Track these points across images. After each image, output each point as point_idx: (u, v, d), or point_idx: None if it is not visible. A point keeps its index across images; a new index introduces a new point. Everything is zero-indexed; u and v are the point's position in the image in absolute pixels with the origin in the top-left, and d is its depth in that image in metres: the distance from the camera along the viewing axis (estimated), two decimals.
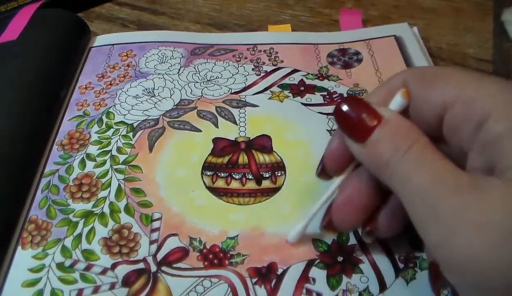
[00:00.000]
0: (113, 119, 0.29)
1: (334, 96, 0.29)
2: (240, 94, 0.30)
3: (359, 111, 0.17)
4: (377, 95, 0.19)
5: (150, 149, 0.27)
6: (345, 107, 0.18)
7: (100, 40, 0.35)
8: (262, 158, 0.26)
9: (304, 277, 0.21)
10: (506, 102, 0.16)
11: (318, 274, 0.21)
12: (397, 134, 0.17)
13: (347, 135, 0.18)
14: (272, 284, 0.21)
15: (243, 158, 0.26)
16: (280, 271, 0.21)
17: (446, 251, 0.15)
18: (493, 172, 0.16)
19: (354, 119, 0.17)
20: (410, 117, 0.18)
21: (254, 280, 0.21)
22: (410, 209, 0.16)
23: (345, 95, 0.29)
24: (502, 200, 0.14)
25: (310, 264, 0.21)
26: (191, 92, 0.30)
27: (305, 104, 0.29)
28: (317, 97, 0.29)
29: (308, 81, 0.30)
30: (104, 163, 0.26)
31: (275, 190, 0.25)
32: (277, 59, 0.32)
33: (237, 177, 0.25)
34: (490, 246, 0.14)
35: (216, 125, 0.28)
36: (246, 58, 0.32)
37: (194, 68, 0.32)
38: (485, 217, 0.14)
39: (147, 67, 0.32)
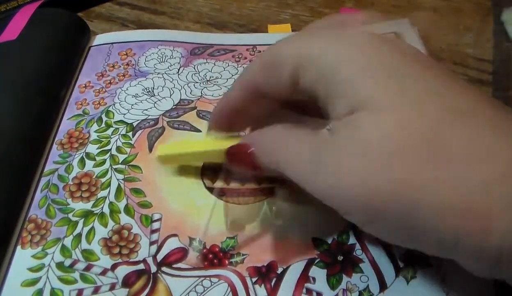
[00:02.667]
0: (113, 118, 0.29)
1: None
2: None
3: (240, 162, 0.21)
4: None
5: (150, 149, 0.27)
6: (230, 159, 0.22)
7: (99, 39, 0.35)
8: None
9: (304, 276, 0.21)
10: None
11: (318, 273, 0.21)
12: (264, 151, 0.20)
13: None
14: (272, 283, 0.21)
15: None
16: (280, 270, 0.21)
17: (336, 196, 0.17)
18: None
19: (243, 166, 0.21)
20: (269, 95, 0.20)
21: (254, 279, 0.21)
22: (294, 179, 0.19)
23: None
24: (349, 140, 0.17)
25: (310, 263, 0.21)
26: (190, 92, 0.30)
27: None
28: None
29: None
30: (103, 162, 0.26)
31: (275, 189, 0.24)
32: None
33: (236, 176, 0.25)
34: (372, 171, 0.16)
35: None
36: (245, 58, 0.32)
37: (194, 68, 0.32)
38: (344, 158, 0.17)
39: (146, 66, 0.32)
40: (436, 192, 0.15)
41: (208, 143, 0.23)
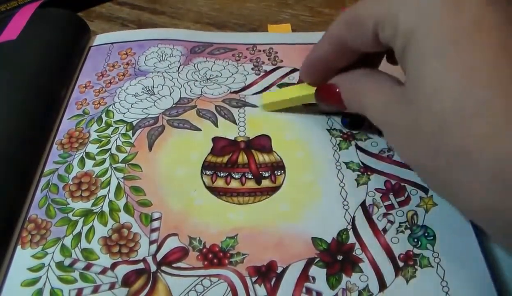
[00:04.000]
0: (113, 117, 0.29)
1: None
2: (239, 93, 0.30)
3: (327, 99, 0.25)
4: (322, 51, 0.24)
5: (150, 148, 0.27)
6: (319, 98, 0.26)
7: (99, 39, 0.35)
8: (261, 157, 0.26)
9: (304, 276, 0.21)
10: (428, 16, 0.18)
11: (318, 273, 0.21)
12: (350, 93, 0.23)
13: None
14: (272, 283, 0.21)
15: (242, 158, 0.26)
16: (279, 269, 0.21)
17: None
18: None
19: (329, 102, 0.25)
20: (353, 48, 0.22)
21: (254, 279, 0.21)
22: (373, 122, 0.22)
23: None
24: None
25: (309, 262, 0.21)
26: (190, 91, 0.30)
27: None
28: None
29: None
30: (103, 161, 0.26)
31: (275, 189, 0.25)
32: (276, 59, 0.32)
33: (236, 176, 0.25)
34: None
35: (216, 125, 0.28)
36: (245, 57, 0.32)
37: (194, 66, 0.32)
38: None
39: (146, 65, 0.32)
40: None
41: (301, 88, 0.27)
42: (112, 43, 0.34)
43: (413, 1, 0.18)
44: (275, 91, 0.29)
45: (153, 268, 0.22)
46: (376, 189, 0.24)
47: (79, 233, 0.23)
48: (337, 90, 0.24)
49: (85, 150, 0.27)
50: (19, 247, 0.23)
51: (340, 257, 0.22)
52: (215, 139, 0.27)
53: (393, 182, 0.24)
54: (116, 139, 0.27)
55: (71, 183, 0.25)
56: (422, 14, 0.18)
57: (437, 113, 0.17)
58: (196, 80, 0.31)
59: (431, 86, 0.17)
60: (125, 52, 0.33)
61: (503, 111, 0.15)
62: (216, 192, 0.25)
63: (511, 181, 0.15)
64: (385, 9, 0.19)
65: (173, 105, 0.29)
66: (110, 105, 0.29)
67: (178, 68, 0.32)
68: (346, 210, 0.23)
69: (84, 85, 0.31)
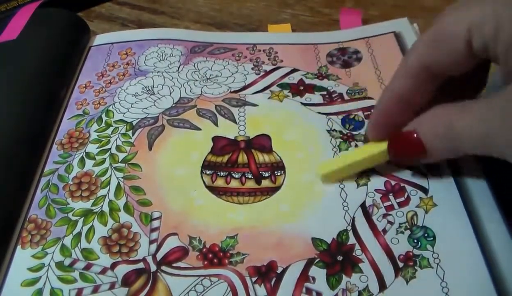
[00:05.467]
0: (113, 117, 0.29)
1: (333, 95, 0.29)
2: (239, 93, 0.30)
3: (405, 150, 0.22)
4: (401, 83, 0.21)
5: (150, 147, 0.27)
6: (394, 152, 0.22)
7: (99, 39, 0.35)
8: (261, 157, 0.26)
9: (304, 276, 0.21)
10: None
11: (318, 273, 0.21)
12: (432, 130, 0.20)
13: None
14: (272, 283, 0.21)
15: (242, 157, 0.26)
16: (279, 270, 0.21)
17: None
18: None
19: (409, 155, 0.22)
20: (441, 59, 0.20)
21: (254, 279, 0.21)
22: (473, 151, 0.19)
23: (344, 94, 0.29)
24: None
25: (309, 263, 0.21)
26: (190, 90, 0.30)
27: (304, 104, 0.29)
28: (316, 97, 0.29)
29: (307, 81, 0.30)
30: (103, 161, 0.26)
31: (275, 189, 0.25)
32: (276, 58, 0.32)
33: (236, 176, 0.25)
34: None
35: (216, 124, 0.28)
36: (245, 57, 0.32)
37: (194, 66, 0.32)
38: None
39: (146, 65, 0.32)
40: None
41: (367, 148, 0.23)
42: (112, 43, 0.34)
43: None
44: (334, 159, 0.26)
45: (153, 267, 0.22)
46: (376, 190, 0.24)
47: (79, 233, 0.23)
48: (416, 135, 0.21)
49: (85, 150, 0.27)
50: (19, 247, 0.23)
51: (340, 258, 0.22)
52: (215, 139, 0.27)
53: (393, 183, 0.24)
54: (116, 139, 0.27)
55: (71, 183, 0.25)
56: None
57: None
58: (196, 80, 0.31)
59: None
60: (125, 52, 0.33)
61: None
62: (216, 191, 0.25)
63: None
64: (478, 11, 0.18)
65: (173, 105, 0.29)
66: (110, 105, 0.29)
67: (178, 68, 0.32)
68: (346, 210, 0.23)
69: (84, 85, 0.31)
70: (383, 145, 0.22)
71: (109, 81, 0.31)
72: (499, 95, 0.18)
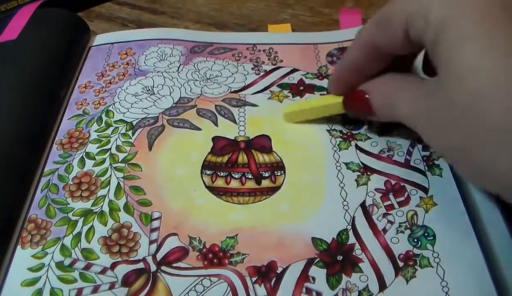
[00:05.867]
0: (113, 117, 0.29)
1: None
2: (239, 93, 0.30)
3: (356, 106, 0.25)
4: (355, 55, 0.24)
5: (150, 147, 0.27)
6: (348, 106, 0.25)
7: (99, 39, 0.35)
8: (261, 157, 0.26)
9: (304, 276, 0.21)
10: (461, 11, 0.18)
11: (318, 273, 0.21)
12: (379, 97, 0.23)
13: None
14: (272, 283, 0.21)
15: (242, 157, 0.26)
16: (279, 269, 0.21)
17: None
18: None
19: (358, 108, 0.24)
20: (382, 46, 0.22)
21: (254, 279, 0.21)
22: (404, 122, 0.22)
23: None
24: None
25: (309, 263, 0.21)
26: (190, 91, 0.30)
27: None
28: (316, 97, 0.29)
29: (307, 81, 0.30)
30: (103, 161, 0.26)
31: (275, 189, 0.25)
32: (276, 58, 0.32)
33: (236, 176, 0.25)
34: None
35: (216, 124, 0.28)
36: (245, 57, 0.32)
37: (194, 66, 0.32)
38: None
39: (146, 65, 0.32)
40: None
41: (326, 98, 0.26)
42: (112, 43, 0.34)
43: None
44: (298, 101, 0.29)
45: (153, 267, 0.22)
46: (376, 189, 0.24)
47: (79, 233, 0.23)
48: (366, 96, 0.23)
49: (85, 150, 0.27)
50: (19, 247, 0.23)
51: (340, 257, 0.22)
52: (215, 139, 0.27)
53: (393, 182, 0.24)
54: (116, 139, 0.27)
55: (71, 183, 0.25)
56: (452, 2, 0.18)
57: (474, 91, 0.17)
58: (196, 80, 0.31)
59: (467, 68, 0.17)
60: (125, 52, 0.33)
61: None
62: (216, 191, 0.25)
63: None
64: (414, 4, 0.19)
65: (173, 105, 0.29)
66: (110, 105, 0.29)
67: (178, 68, 0.32)
68: (346, 210, 0.23)
69: (84, 85, 0.31)
70: (341, 98, 0.25)
71: (109, 81, 0.31)
72: (427, 87, 0.20)
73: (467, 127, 0.18)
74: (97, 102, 0.30)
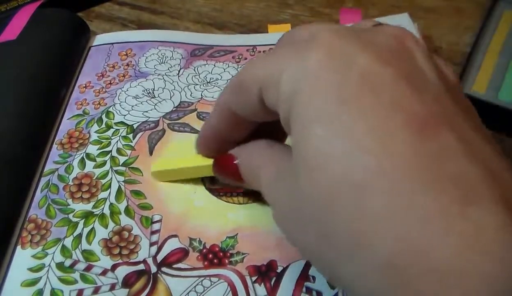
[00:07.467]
0: (113, 119, 0.29)
1: None
2: None
3: (224, 172, 0.22)
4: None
5: (150, 152, 0.27)
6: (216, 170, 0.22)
7: (99, 39, 0.35)
8: None
9: (304, 276, 0.21)
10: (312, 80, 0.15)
11: (318, 272, 0.21)
12: (247, 163, 0.20)
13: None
14: (272, 282, 0.21)
15: None
16: (280, 269, 0.21)
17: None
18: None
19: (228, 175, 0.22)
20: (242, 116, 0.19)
21: (254, 278, 0.21)
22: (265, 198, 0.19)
23: None
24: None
25: (309, 262, 0.21)
26: (191, 94, 0.30)
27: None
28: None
29: None
30: (104, 163, 0.26)
31: None
32: None
33: None
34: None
35: None
36: (246, 59, 0.32)
37: (194, 70, 0.32)
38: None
39: (146, 67, 0.32)
40: None
41: (199, 158, 0.23)
42: (112, 43, 0.34)
43: (297, 60, 0.16)
44: (166, 159, 0.26)
45: (154, 269, 0.22)
46: None
47: (80, 235, 0.23)
48: (235, 162, 0.21)
49: (85, 151, 0.27)
50: (19, 247, 0.23)
51: None
52: None
53: None
54: (117, 141, 0.27)
55: (71, 183, 0.25)
56: (306, 73, 0.15)
57: (323, 188, 0.14)
58: (197, 84, 0.31)
59: (315, 157, 0.14)
60: (125, 53, 0.33)
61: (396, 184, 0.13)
62: (216, 192, 0.25)
63: (403, 268, 0.12)
64: (269, 71, 0.17)
65: (174, 109, 0.29)
66: (110, 106, 0.29)
67: (179, 71, 0.32)
68: None
69: (84, 85, 0.31)
70: (211, 161, 0.23)
71: (109, 81, 0.31)
72: (290, 165, 0.16)
73: (320, 230, 0.15)
74: (97, 102, 0.30)
